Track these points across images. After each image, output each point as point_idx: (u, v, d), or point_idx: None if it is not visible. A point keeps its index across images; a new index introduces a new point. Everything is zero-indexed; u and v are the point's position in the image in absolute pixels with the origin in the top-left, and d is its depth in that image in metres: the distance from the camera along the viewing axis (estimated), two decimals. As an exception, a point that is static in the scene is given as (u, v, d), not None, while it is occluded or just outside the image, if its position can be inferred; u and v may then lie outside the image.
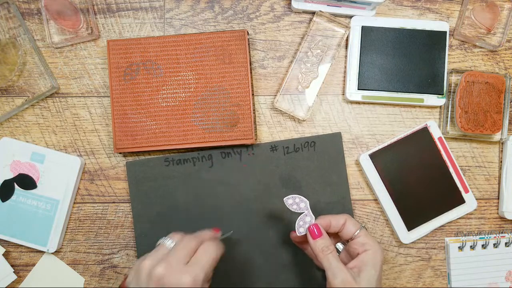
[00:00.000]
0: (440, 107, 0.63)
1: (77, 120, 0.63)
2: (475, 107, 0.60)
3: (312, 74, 0.61)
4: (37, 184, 0.60)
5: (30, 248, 0.61)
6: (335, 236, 0.55)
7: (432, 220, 0.61)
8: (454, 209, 0.61)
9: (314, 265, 0.60)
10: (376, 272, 0.48)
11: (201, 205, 0.61)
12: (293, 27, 0.63)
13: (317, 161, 0.61)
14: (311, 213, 0.52)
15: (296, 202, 0.52)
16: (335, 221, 0.52)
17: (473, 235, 0.62)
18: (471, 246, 0.61)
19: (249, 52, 0.61)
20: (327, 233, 0.51)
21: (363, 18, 0.62)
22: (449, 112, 0.62)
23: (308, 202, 0.52)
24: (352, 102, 0.63)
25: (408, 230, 0.61)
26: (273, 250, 0.61)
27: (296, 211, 0.52)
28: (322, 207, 0.61)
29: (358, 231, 0.51)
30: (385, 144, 0.61)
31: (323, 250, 0.49)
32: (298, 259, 0.61)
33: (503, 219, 0.63)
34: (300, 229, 0.51)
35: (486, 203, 0.63)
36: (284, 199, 0.52)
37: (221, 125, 0.59)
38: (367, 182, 0.62)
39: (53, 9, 0.61)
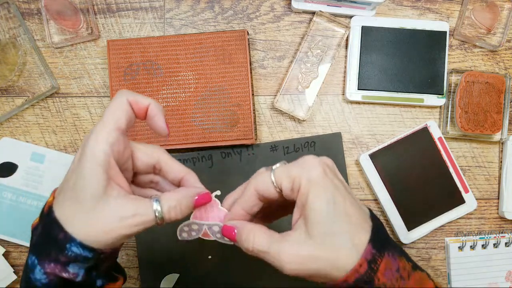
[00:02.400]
0: (440, 107, 0.63)
1: (77, 120, 0.63)
2: (475, 107, 0.60)
3: (312, 74, 0.61)
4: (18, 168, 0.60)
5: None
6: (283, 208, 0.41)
7: (432, 220, 0.61)
8: (454, 209, 0.61)
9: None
10: (326, 203, 0.33)
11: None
12: (293, 27, 0.63)
13: (317, 161, 0.61)
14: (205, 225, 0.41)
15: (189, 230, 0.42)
16: (246, 203, 0.38)
17: (473, 235, 0.62)
18: (471, 246, 0.61)
19: (249, 52, 0.61)
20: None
21: (363, 18, 0.62)
22: (449, 112, 0.62)
23: (204, 225, 0.41)
24: (352, 102, 0.63)
25: (408, 230, 0.60)
26: (273, 250, 0.61)
27: (186, 239, 0.42)
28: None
29: (273, 179, 0.36)
30: (385, 144, 0.61)
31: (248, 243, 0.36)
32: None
33: (503, 219, 0.63)
34: (184, 234, 0.42)
35: (486, 203, 0.63)
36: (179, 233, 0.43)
37: (221, 125, 0.59)
38: (367, 182, 0.62)
39: (53, 9, 0.61)
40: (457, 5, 0.64)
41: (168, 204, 0.36)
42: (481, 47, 0.63)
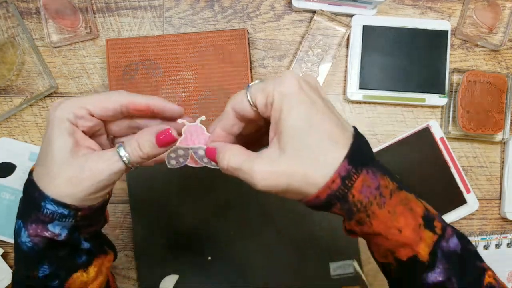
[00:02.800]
0: (442, 106, 0.63)
1: (76, 120, 0.62)
2: (477, 107, 0.60)
3: (313, 73, 0.61)
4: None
5: (29, 249, 0.60)
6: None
7: (434, 220, 0.60)
8: (455, 209, 0.61)
9: (315, 264, 0.59)
10: (300, 117, 0.32)
11: (201, 206, 0.61)
12: (294, 26, 0.63)
13: (317, 161, 0.61)
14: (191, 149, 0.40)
15: (177, 156, 0.41)
16: (224, 123, 0.37)
17: (474, 236, 0.62)
18: (472, 247, 0.61)
19: (249, 51, 0.61)
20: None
21: (364, 17, 0.61)
22: (451, 112, 0.61)
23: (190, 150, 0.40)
24: (353, 102, 0.62)
25: (410, 231, 0.60)
26: (273, 249, 0.61)
27: (175, 166, 0.41)
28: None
29: (248, 94, 0.34)
30: (387, 144, 0.61)
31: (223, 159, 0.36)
32: (298, 259, 0.60)
33: (505, 219, 0.62)
34: (172, 161, 0.41)
35: (488, 203, 0.62)
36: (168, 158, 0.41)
37: (221, 125, 0.59)
38: (368, 183, 0.62)
39: (51, 8, 0.60)
40: (458, 4, 0.63)
41: (131, 146, 0.36)
42: (482, 47, 0.63)
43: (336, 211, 0.33)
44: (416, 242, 0.33)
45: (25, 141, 0.62)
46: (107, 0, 0.63)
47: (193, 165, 0.40)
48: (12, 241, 0.60)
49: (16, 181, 0.60)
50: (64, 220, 0.36)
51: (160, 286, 0.60)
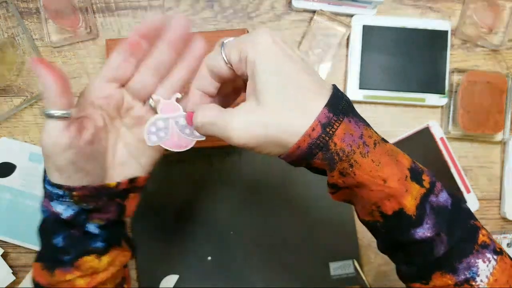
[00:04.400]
0: (442, 107, 0.62)
1: (76, 120, 0.62)
2: (477, 107, 0.60)
3: (313, 73, 0.61)
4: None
5: (29, 249, 0.60)
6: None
7: (434, 220, 0.60)
8: (455, 209, 0.60)
9: (315, 264, 0.59)
10: (275, 69, 0.31)
11: (201, 205, 0.61)
12: (294, 26, 0.63)
13: (317, 161, 0.61)
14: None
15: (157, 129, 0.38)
16: (199, 82, 0.36)
17: (475, 236, 0.62)
18: (473, 247, 0.61)
19: (249, 52, 0.61)
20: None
21: (364, 17, 0.61)
22: (451, 112, 0.61)
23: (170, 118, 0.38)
24: (353, 102, 0.62)
25: (410, 231, 0.60)
26: (273, 250, 0.61)
27: (157, 143, 0.38)
28: (323, 207, 0.61)
29: (223, 52, 0.34)
30: (386, 144, 0.61)
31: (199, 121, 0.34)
32: (298, 259, 0.60)
33: (505, 219, 0.62)
34: (152, 137, 0.37)
35: (488, 203, 0.62)
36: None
37: (221, 125, 0.59)
38: (368, 183, 0.61)
39: (51, 8, 0.60)
40: (458, 4, 0.63)
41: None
42: (482, 47, 0.63)
43: (318, 163, 0.32)
44: (401, 194, 0.32)
45: (25, 141, 0.62)
46: (107, 0, 0.63)
47: (175, 149, 0.38)
48: (11, 241, 0.60)
49: (16, 181, 0.60)
50: (62, 199, 0.36)
51: (160, 286, 0.60)
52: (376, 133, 0.34)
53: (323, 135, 0.30)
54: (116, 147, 0.39)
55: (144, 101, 0.38)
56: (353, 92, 0.61)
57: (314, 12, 0.61)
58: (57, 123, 0.33)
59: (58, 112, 0.33)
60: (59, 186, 0.36)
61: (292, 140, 0.31)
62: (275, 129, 0.31)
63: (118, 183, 0.38)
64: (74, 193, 0.36)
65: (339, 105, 0.31)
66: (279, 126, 0.31)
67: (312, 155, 0.31)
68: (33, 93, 0.62)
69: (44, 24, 0.61)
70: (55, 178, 0.35)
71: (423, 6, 0.63)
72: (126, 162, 0.39)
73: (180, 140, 0.38)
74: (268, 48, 0.32)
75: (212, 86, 0.36)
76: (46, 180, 0.37)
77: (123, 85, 0.37)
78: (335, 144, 0.31)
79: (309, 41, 0.61)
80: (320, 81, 0.33)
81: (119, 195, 0.39)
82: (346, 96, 0.33)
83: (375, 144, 0.32)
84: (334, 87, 0.33)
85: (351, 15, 0.62)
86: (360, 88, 0.61)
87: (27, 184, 0.60)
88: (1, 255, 0.60)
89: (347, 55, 0.62)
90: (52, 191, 0.36)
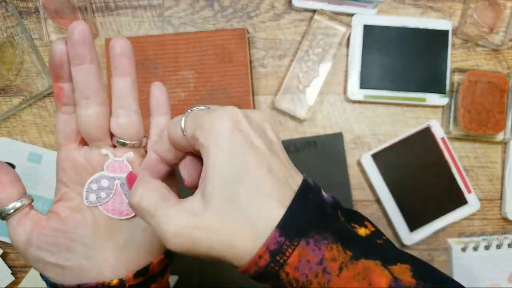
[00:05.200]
0: (443, 106, 0.62)
1: (75, 119, 0.62)
2: (478, 107, 0.60)
3: (313, 73, 0.61)
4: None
5: (28, 249, 0.60)
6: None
7: (435, 221, 0.60)
8: (456, 210, 0.60)
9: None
10: (228, 163, 0.26)
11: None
12: (294, 26, 0.62)
13: (318, 162, 0.61)
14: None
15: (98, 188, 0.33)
16: (158, 145, 0.31)
17: (475, 236, 0.61)
18: (473, 247, 0.61)
19: (249, 51, 0.60)
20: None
21: (365, 16, 0.61)
22: (452, 112, 0.61)
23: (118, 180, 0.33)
24: (353, 102, 0.62)
25: (411, 231, 0.60)
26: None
27: (94, 203, 0.33)
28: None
29: (183, 125, 0.28)
30: (387, 144, 0.60)
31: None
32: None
33: (506, 220, 0.62)
34: (91, 195, 0.33)
35: (489, 203, 0.62)
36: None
37: (221, 125, 0.59)
38: (369, 183, 0.61)
39: (51, 7, 0.60)
40: (459, 4, 0.63)
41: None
42: (483, 46, 0.63)
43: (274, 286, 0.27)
44: None
45: (24, 141, 0.61)
46: (107, 0, 0.62)
47: (116, 216, 0.33)
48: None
49: (15, 181, 0.60)
50: None
51: (160, 286, 0.60)
52: (345, 246, 0.26)
53: (271, 264, 0.25)
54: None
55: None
56: (354, 92, 0.61)
57: (314, 11, 0.61)
58: (9, 221, 0.31)
59: (6, 210, 0.31)
60: (54, 286, 0.32)
61: (238, 264, 0.26)
62: (219, 246, 0.26)
63: (121, 281, 0.32)
64: None
65: (297, 221, 0.26)
66: (223, 244, 0.26)
67: (262, 280, 0.27)
68: (32, 93, 0.62)
69: (43, 23, 0.61)
70: (50, 276, 0.32)
71: (423, 6, 0.63)
72: (123, 249, 0.33)
73: (122, 206, 0.33)
74: (225, 136, 0.26)
75: (171, 154, 0.31)
76: (45, 280, 0.33)
77: (83, 142, 0.34)
78: (287, 274, 0.26)
79: (309, 40, 0.61)
80: (284, 179, 0.27)
81: None
82: (314, 198, 0.27)
83: (340, 268, 0.25)
84: (302, 186, 0.27)
85: (352, 15, 0.61)
86: (361, 87, 0.61)
87: (26, 184, 0.60)
88: (1, 256, 0.60)
89: (347, 55, 0.62)
90: None
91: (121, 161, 0.33)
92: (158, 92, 0.34)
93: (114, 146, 0.34)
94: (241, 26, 0.62)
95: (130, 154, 0.33)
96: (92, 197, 0.33)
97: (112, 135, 0.33)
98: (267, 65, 0.62)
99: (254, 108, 0.60)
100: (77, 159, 0.33)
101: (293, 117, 0.62)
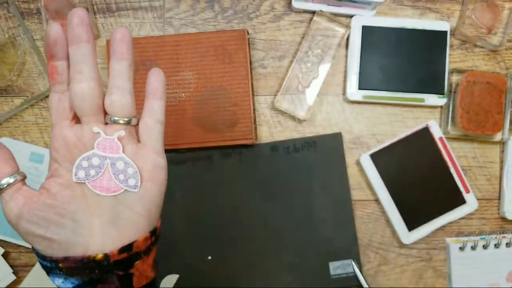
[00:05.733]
0: (441, 107, 0.63)
1: (77, 120, 0.62)
2: (476, 107, 0.60)
3: (313, 73, 0.61)
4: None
5: (30, 248, 0.60)
6: None
7: (433, 220, 0.61)
8: (455, 209, 0.61)
9: (315, 264, 0.59)
10: None
11: (201, 206, 0.61)
12: (294, 27, 0.63)
13: (317, 162, 0.61)
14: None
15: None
16: None
17: (474, 236, 0.62)
18: (472, 247, 0.61)
19: (249, 52, 0.61)
20: None
21: (364, 17, 0.61)
22: (450, 112, 0.61)
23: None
24: (352, 102, 0.63)
25: (409, 231, 0.60)
26: (273, 250, 0.61)
27: (82, 180, 0.34)
28: (323, 207, 0.61)
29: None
30: (386, 144, 0.61)
31: None
32: (299, 260, 0.61)
33: (504, 219, 0.62)
34: (80, 172, 0.34)
35: (487, 203, 0.63)
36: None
37: (221, 125, 0.59)
38: (368, 182, 0.62)
39: (52, 8, 0.61)
40: (457, 5, 0.64)
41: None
42: (482, 47, 0.63)
43: None
44: None
45: (26, 141, 0.62)
46: (108, 1, 0.63)
47: (103, 193, 0.34)
48: (12, 240, 0.60)
49: (16, 181, 0.60)
50: (54, 272, 0.34)
51: (160, 286, 0.60)
52: None
53: None
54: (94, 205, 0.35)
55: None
56: (353, 93, 0.61)
57: (313, 13, 0.62)
58: (2, 195, 0.33)
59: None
60: (43, 257, 0.34)
61: None
62: None
63: (106, 255, 0.33)
64: (60, 265, 0.33)
65: None
66: None
67: None
68: (34, 93, 0.62)
69: (45, 24, 0.61)
70: (39, 248, 0.34)
71: (422, 7, 0.63)
72: (109, 225, 0.34)
73: (109, 184, 0.34)
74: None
75: None
76: (35, 252, 0.35)
77: (76, 120, 0.35)
78: None
79: (309, 41, 0.61)
80: None
81: (115, 267, 0.34)
82: None
83: None
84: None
85: (351, 16, 0.62)
86: (360, 88, 0.61)
87: (28, 184, 0.60)
88: (2, 255, 0.60)
89: (346, 56, 0.62)
90: (42, 264, 0.34)
91: (112, 139, 0.34)
92: (155, 76, 0.36)
93: (106, 124, 0.35)
94: (241, 27, 0.63)
95: (122, 132, 0.34)
96: (81, 174, 0.34)
97: (105, 114, 0.35)
98: (267, 66, 0.63)
99: (254, 108, 0.61)
100: (69, 137, 0.34)
101: (293, 117, 0.62)
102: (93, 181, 0.34)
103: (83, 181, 0.34)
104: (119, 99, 0.34)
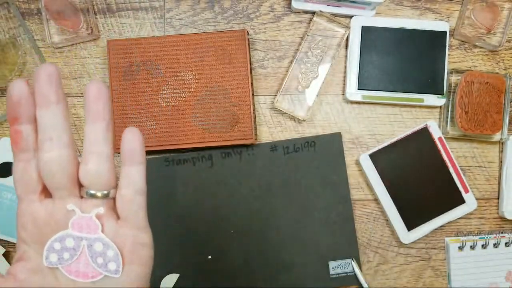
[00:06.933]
0: (440, 107, 0.63)
1: (77, 120, 0.63)
2: (475, 107, 0.60)
3: (312, 74, 0.61)
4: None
5: (30, 248, 0.61)
6: None
7: (432, 220, 0.61)
8: (454, 209, 0.61)
9: (315, 263, 0.60)
10: None
11: (201, 205, 0.61)
12: (293, 27, 0.63)
13: (317, 161, 0.61)
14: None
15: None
16: None
17: (473, 235, 0.62)
18: (471, 246, 0.61)
19: (249, 52, 0.61)
20: None
21: (363, 18, 0.62)
22: (449, 112, 0.62)
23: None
24: (352, 102, 0.63)
25: (408, 230, 0.61)
26: (273, 250, 0.61)
27: (54, 265, 0.30)
28: (322, 207, 0.61)
29: None
30: (385, 144, 0.61)
31: None
32: (298, 259, 0.61)
33: (503, 219, 0.63)
34: (52, 255, 0.30)
35: (486, 203, 0.63)
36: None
37: (221, 125, 0.59)
38: (367, 182, 0.62)
39: (53, 9, 0.61)
40: (457, 5, 0.64)
41: None
42: (481, 47, 0.63)
43: None
44: None
45: (27, 141, 0.62)
46: (108, 1, 0.63)
47: (80, 279, 0.30)
48: (13, 240, 0.60)
49: (17, 181, 0.61)
50: None
51: (161, 285, 0.60)
52: None
53: None
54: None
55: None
56: (352, 93, 0.61)
57: (313, 13, 0.62)
58: None
59: None
60: None
61: None
62: None
63: None
64: None
65: None
66: None
67: None
68: (35, 94, 0.62)
69: (45, 25, 0.61)
70: None
71: (421, 7, 0.63)
72: None
73: (87, 268, 0.30)
74: None
75: None
76: None
77: (46, 194, 0.31)
78: None
79: (309, 42, 0.62)
80: None
81: None
82: None
83: None
84: None
85: (350, 16, 0.62)
86: (359, 88, 0.61)
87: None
88: (3, 254, 0.60)
89: (346, 56, 0.63)
90: None
91: (90, 218, 0.29)
92: (131, 136, 0.30)
93: (82, 198, 0.30)
94: (241, 27, 0.63)
95: (101, 210, 0.29)
96: (53, 258, 0.29)
97: (80, 185, 0.30)
98: (267, 66, 0.63)
99: (254, 108, 0.61)
100: (38, 214, 0.30)
101: (293, 118, 0.63)
102: (68, 265, 0.29)
103: (55, 266, 0.30)
104: (96, 168, 0.29)
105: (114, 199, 0.31)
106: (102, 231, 0.30)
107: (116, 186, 0.31)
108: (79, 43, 0.63)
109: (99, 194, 0.30)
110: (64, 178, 0.29)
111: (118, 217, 0.31)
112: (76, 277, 0.30)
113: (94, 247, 0.29)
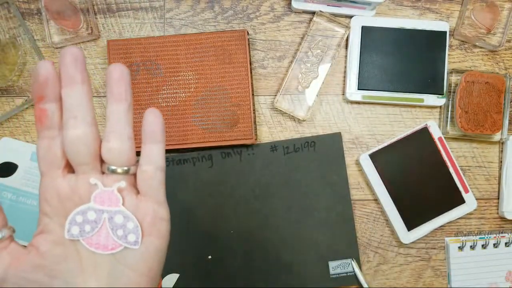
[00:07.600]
0: (440, 107, 0.63)
1: (77, 120, 0.63)
2: (475, 107, 0.60)
3: (312, 74, 0.61)
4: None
5: (30, 248, 0.61)
6: None
7: (432, 220, 0.61)
8: (454, 209, 0.61)
9: (315, 263, 0.60)
10: None
11: (201, 205, 0.61)
12: (293, 27, 0.63)
13: (317, 161, 0.61)
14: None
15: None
16: None
17: (473, 235, 0.62)
18: (471, 246, 0.61)
19: (249, 52, 0.61)
20: None
21: (363, 18, 0.62)
22: (449, 112, 0.62)
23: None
24: (352, 102, 0.63)
25: (408, 230, 0.61)
26: (273, 250, 0.61)
27: (75, 237, 0.31)
28: (322, 207, 0.61)
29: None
30: (385, 144, 0.61)
31: None
32: (299, 259, 0.61)
33: (503, 219, 0.63)
34: (73, 228, 0.31)
35: (486, 203, 0.63)
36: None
37: (221, 125, 0.59)
38: (367, 182, 0.62)
39: (53, 9, 0.61)
40: (457, 5, 0.64)
41: None
42: (481, 47, 0.63)
43: None
44: None
45: (27, 141, 0.62)
46: (108, 1, 0.63)
47: (100, 251, 0.31)
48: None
49: (17, 181, 0.61)
50: None
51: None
52: None
53: None
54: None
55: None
56: (352, 93, 0.61)
57: (313, 13, 0.62)
58: None
59: None
60: None
61: None
62: None
63: None
64: None
65: None
66: None
67: None
68: (35, 94, 0.62)
69: (45, 25, 0.61)
70: None
71: (421, 7, 0.64)
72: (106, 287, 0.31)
73: (107, 240, 0.31)
74: None
75: None
76: None
77: (69, 170, 0.32)
78: None
79: (309, 42, 0.62)
80: None
81: None
82: None
83: None
84: None
85: (350, 16, 0.62)
86: (359, 88, 0.61)
87: (28, 183, 0.61)
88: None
89: (346, 56, 0.63)
90: None
91: (111, 192, 0.31)
92: (152, 118, 0.31)
93: (103, 174, 0.31)
94: (241, 27, 0.63)
95: (122, 183, 0.31)
96: (75, 230, 0.30)
97: (102, 162, 0.31)
98: (267, 66, 0.63)
99: (254, 108, 0.61)
100: (62, 188, 0.31)
101: (293, 118, 0.63)
102: (89, 237, 0.30)
103: (77, 238, 0.30)
104: (118, 146, 0.30)
105: (134, 175, 0.32)
106: (123, 204, 0.31)
107: (136, 163, 0.32)
108: (79, 43, 0.63)
109: (120, 170, 0.31)
110: (87, 154, 0.30)
111: (137, 193, 0.32)
112: (96, 249, 0.31)
113: (115, 219, 0.31)
